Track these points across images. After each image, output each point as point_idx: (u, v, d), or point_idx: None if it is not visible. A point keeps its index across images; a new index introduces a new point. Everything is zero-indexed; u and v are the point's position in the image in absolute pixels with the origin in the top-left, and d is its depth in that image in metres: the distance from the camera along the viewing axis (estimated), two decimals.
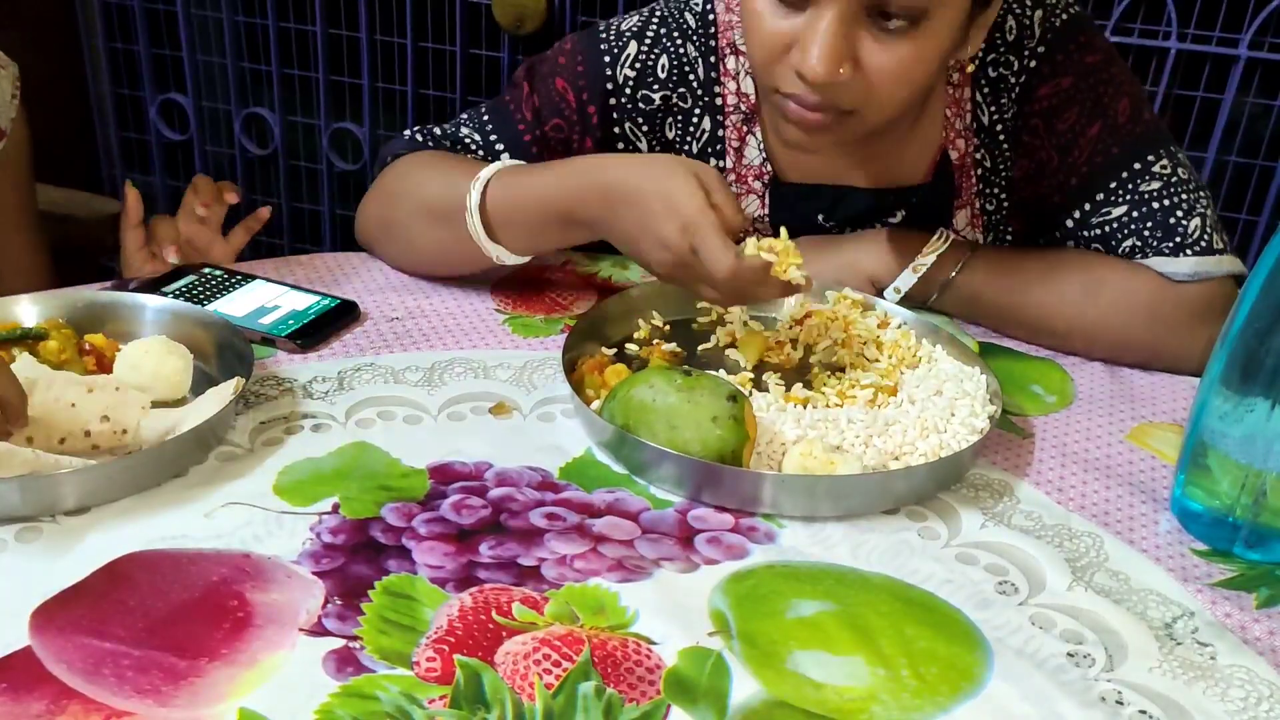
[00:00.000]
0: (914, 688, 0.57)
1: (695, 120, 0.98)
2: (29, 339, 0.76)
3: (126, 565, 0.61)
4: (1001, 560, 0.67)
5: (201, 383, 0.76)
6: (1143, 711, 0.57)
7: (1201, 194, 0.92)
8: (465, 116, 0.99)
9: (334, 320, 0.87)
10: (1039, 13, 0.92)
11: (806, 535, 0.68)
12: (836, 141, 0.87)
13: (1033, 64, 0.92)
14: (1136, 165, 0.91)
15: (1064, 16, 0.92)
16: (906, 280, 0.94)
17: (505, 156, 0.95)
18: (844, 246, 0.97)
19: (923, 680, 0.58)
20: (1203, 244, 0.90)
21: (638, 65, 0.96)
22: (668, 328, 0.90)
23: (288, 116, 2.12)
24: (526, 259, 0.90)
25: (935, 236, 0.94)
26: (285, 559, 0.63)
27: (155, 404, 0.75)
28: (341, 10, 2.00)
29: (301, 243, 2.19)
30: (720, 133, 0.98)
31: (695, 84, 0.97)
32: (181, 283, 0.91)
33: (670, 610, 0.61)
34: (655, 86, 0.96)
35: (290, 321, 0.86)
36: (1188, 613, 0.65)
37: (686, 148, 0.99)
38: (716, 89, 0.97)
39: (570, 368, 0.79)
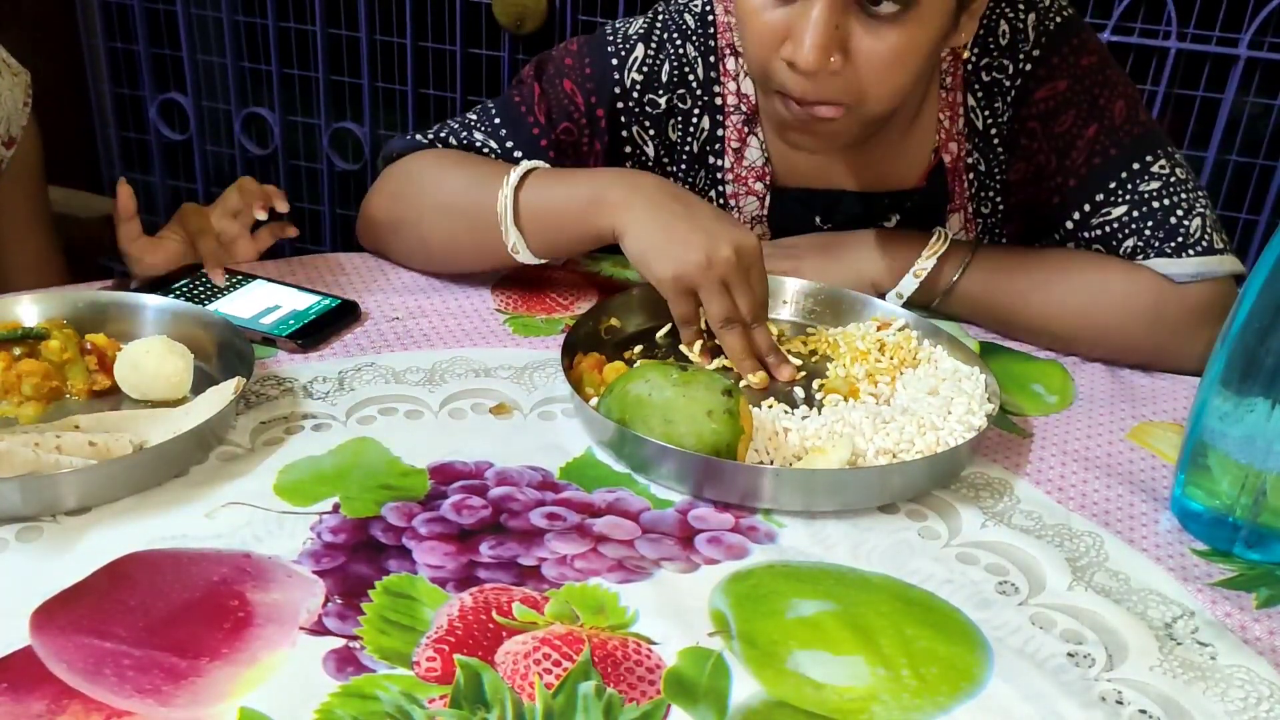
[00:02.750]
0: (914, 688, 0.57)
1: (695, 120, 0.98)
2: (30, 339, 0.76)
3: (127, 565, 0.61)
4: (1002, 560, 0.67)
5: (202, 383, 0.76)
6: (1143, 711, 0.57)
7: (1200, 194, 0.92)
8: (474, 119, 0.98)
9: (335, 320, 0.87)
10: (1032, 16, 0.92)
11: (806, 535, 0.68)
12: (838, 140, 0.87)
13: (1028, 67, 0.92)
14: (1135, 165, 0.91)
15: (1058, 20, 0.92)
16: (909, 285, 0.94)
17: (529, 160, 0.95)
18: (845, 252, 0.97)
19: (923, 680, 0.58)
20: (1204, 244, 0.90)
21: (644, 69, 0.96)
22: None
23: (288, 116, 2.13)
24: (538, 261, 0.90)
25: (934, 238, 0.94)
26: (286, 559, 0.63)
27: (155, 404, 0.75)
28: (341, 10, 2.00)
29: (301, 242, 2.19)
30: (720, 132, 0.98)
31: (695, 84, 0.97)
32: (182, 282, 0.91)
33: (670, 610, 0.61)
34: (660, 91, 0.97)
35: (291, 321, 0.86)
36: (1188, 612, 0.65)
37: (687, 148, 0.99)
38: (716, 88, 0.97)
39: (568, 366, 0.80)
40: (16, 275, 1.05)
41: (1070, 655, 0.60)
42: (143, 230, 0.94)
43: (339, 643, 0.57)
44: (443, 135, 0.98)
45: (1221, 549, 0.70)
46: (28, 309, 0.80)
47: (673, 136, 0.99)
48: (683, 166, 1.00)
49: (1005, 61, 0.93)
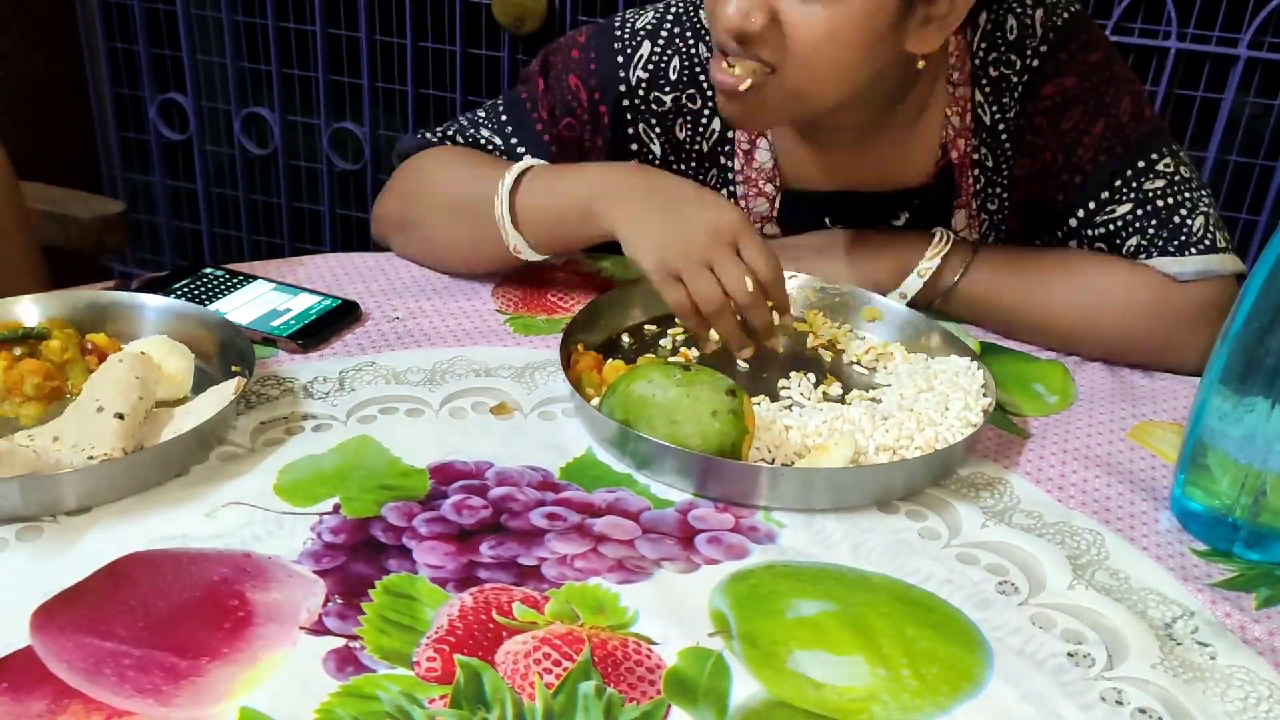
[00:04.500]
0: (914, 688, 0.57)
1: (705, 121, 0.98)
2: (31, 339, 0.76)
3: (127, 565, 0.61)
4: (1002, 560, 0.67)
5: (203, 382, 0.76)
6: (1143, 711, 0.57)
7: (1203, 192, 0.93)
8: (482, 116, 0.99)
9: (335, 320, 0.87)
10: (1039, 12, 0.92)
11: (807, 535, 0.68)
12: (765, 113, 0.87)
13: (1035, 63, 0.93)
14: (1140, 164, 0.92)
15: (1065, 15, 0.93)
16: (912, 285, 0.94)
17: (527, 158, 0.95)
18: (845, 252, 0.97)
19: (923, 680, 0.58)
20: (1206, 242, 0.90)
21: (650, 66, 0.96)
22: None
23: (288, 116, 2.13)
24: (542, 257, 0.91)
25: (936, 239, 0.94)
26: (286, 559, 0.63)
27: (156, 404, 0.75)
28: (341, 10, 2.00)
29: (301, 243, 2.19)
30: (730, 134, 0.99)
31: (705, 85, 0.97)
32: (183, 282, 0.91)
33: (670, 610, 0.61)
34: (667, 88, 0.97)
35: (291, 321, 0.86)
36: (1188, 612, 0.65)
37: (696, 147, 0.99)
38: None
39: (565, 363, 0.80)
40: None
41: (1070, 655, 0.60)
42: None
43: (339, 642, 0.57)
44: (450, 133, 0.99)
45: (1221, 549, 0.71)
46: (28, 309, 0.80)
47: (680, 135, 0.99)
48: (692, 164, 1.00)
49: (1013, 57, 0.93)
